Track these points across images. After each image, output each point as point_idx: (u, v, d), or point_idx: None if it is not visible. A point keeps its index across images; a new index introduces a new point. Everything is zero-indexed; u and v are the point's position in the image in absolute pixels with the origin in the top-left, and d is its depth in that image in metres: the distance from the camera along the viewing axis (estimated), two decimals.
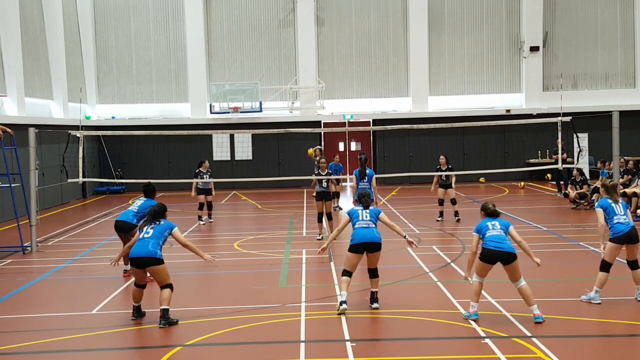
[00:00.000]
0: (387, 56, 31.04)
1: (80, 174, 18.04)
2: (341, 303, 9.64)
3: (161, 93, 31.10)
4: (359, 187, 15.25)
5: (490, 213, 9.38)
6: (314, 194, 16.68)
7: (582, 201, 20.48)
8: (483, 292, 10.45)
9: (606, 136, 18.52)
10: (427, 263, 13.05)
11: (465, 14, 30.98)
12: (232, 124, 29.74)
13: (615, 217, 9.94)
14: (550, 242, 15.41)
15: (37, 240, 15.94)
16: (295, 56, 30.82)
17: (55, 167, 22.49)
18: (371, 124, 29.30)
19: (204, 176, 19.11)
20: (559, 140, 17.86)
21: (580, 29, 30.97)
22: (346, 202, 22.69)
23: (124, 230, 12.24)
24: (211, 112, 30.06)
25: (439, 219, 18.70)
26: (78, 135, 18.10)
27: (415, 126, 20.22)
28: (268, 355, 8.21)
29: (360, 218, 10.06)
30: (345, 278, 9.82)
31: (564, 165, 18.72)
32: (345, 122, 29.79)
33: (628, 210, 10.21)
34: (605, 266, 9.93)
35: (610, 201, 10.09)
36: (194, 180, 19.17)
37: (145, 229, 9.74)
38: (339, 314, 9.62)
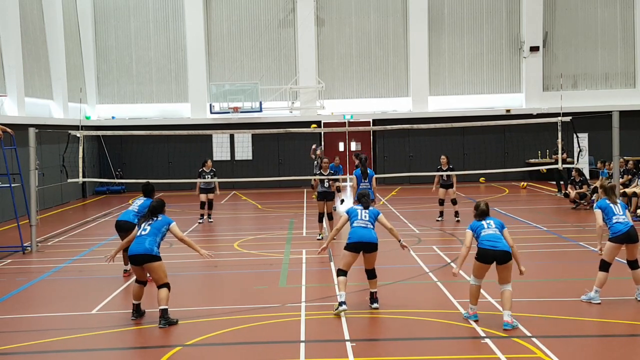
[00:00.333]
0: (387, 56, 31.04)
1: (80, 174, 18.04)
2: (340, 304, 9.61)
3: (161, 93, 31.10)
4: (360, 187, 15.26)
5: (481, 212, 9.29)
6: (314, 196, 16.69)
7: (582, 201, 20.48)
8: (483, 292, 10.47)
9: (606, 136, 18.52)
10: (427, 263, 13.05)
11: (465, 14, 30.98)
12: (232, 124, 29.74)
13: (614, 217, 9.95)
14: (550, 242, 15.42)
15: (37, 240, 15.94)
16: (295, 56, 30.83)
17: (55, 167, 22.49)
18: (371, 124, 29.29)
19: (206, 176, 19.32)
20: (559, 140, 17.86)
21: (580, 29, 30.97)
22: (346, 201, 22.66)
23: (125, 230, 12.24)
24: (211, 112, 30.06)
25: (439, 218, 18.71)
26: (78, 135, 18.10)
27: (415, 126, 20.22)
28: (268, 355, 8.21)
29: (359, 217, 10.05)
30: (341, 278, 9.81)
31: (564, 165, 18.72)
32: (345, 122, 29.79)
33: (627, 210, 10.22)
34: (605, 266, 9.94)
35: (608, 202, 10.10)
36: (197, 180, 19.39)
37: (143, 225, 9.80)
38: (336, 314, 9.60)
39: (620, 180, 18.20)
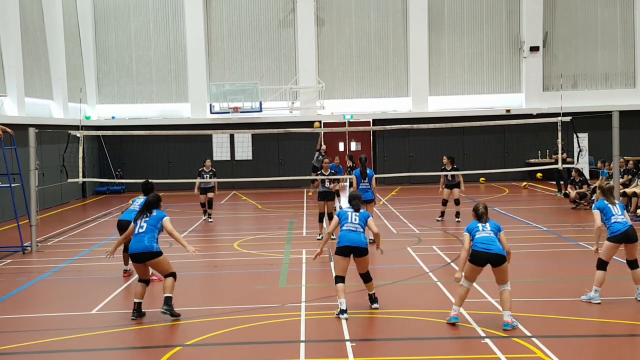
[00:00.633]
0: (387, 56, 31.04)
1: (80, 174, 18.05)
2: (342, 312, 9.48)
3: (161, 93, 31.10)
4: (359, 187, 15.27)
5: (479, 215, 9.27)
6: (310, 193, 16.67)
7: (582, 201, 20.48)
8: (483, 292, 10.47)
9: (606, 136, 18.52)
10: (427, 263, 13.05)
11: (465, 14, 30.98)
12: (232, 124, 29.73)
13: (612, 217, 9.98)
14: (550, 242, 15.42)
15: (37, 240, 15.94)
16: (295, 56, 30.83)
17: (55, 167, 22.49)
18: (371, 124, 29.29)
19: (205, 176, 19.50)
20: (559, 140, 17.86)
21: (580, 29, 30.97)
22: (345, 202, 22.67)
23: (127, 229, 12.25)
24: (211, 112, 30.06)
25: (439, 218, 18.70)
26: (78, 135, 18.10)
27: (415, 126, 20.21)
28: (268, 355, 8.21)
29: (349, 220, 9.88)
30: (339, 286, 9.63)
31: (564, 165, 18.71)
32: (345, 122, 29.79)
33: (625, 211, 10.23)
34: (602, 265, 9.97)
35: (607, 202, 10.11)
36: (197, 180, 19.60)
37: (139, 222, 9.91)
38: (336, 316, 9.55)
39: (621, 180, 18.20)
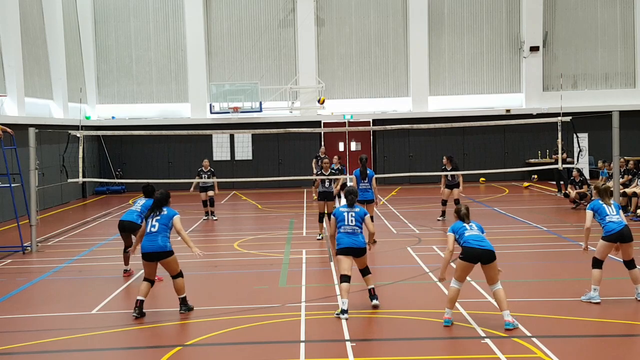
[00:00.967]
0: (387, 56, 31.04)
1: (80, 174, 18.05)
2: (343, 312, 9.53)
3: (161, 93, 31.10)
4: (359, 187, 15.26)
5: (461, 217, 9.27)
6: (315, 197, 16.65)
7: (582, 201, 20.47)
8: (482, 292, 10.47)
9: (606, 136, 18.53)
10: (427, 263, 13.05)
11: (465, 14, 30.98)
12: (232, 124, 29.72)
13: (607, 217, 10.02)
14: (550, 242, 15.42)
15: (37, 240, 15.93)
16: (295, 56, 30.82)
17: (55, 167, 22.48)
18: (371, 124, 29.29)
19: (204, 175, 19.81)
20: (559, 140, 17.86)
21: (580, 29, 30.96)
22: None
23: (128, 230, 12.31)
24: (211, 112, 30.05)
25: (440, 218, 18.71)
26: (78, 135, 18.11)
27: (415, 126, 20.21)
28: (268, 355, 8.21)
29: (346, 222, 9.92)
30: (344, 285, 9.69)
31: (564, 165, 18.71)
32: (345, 122, 29.78)
33: (621, 210, 10.25)
34: (597, 263, 10.01)
35: (602, 202, 10.14)
36: (195, 180, 19.97)
37: (150, 221, 9.99)
38: (336, 316, 9.57)
39: (621, 180, 18.19)
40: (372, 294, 10.07)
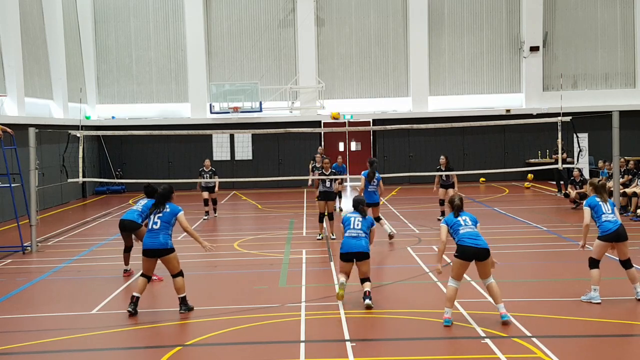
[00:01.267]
0: (387, 56, 31.04)
1: (80, 174, 18.05)
2: (341, 283, 10.09)
3: (161, 93, 31.10)
4: (367, 189, 15.32)
5: (456, 207, 9.36)
6: (317, 197, 16.64)
7: (582, 201, 20.43)
8: (483, 292, 10.47)
9: (606, 136, 18.53)
10: (427, 263, 13.05)
11: (465, 14, 30.98)
12: (232, 124, 29.73)
13: (603, 216, 10.04)
14: (550, 242, 15.42)
15: (37, 240, 15.93)
16: (295, 56, 30.82)
17: (55, 167, 22.49)
18: (371, 124, 29.29)
19: (205, 175, 20.10)
20: (559, 140, 17.87)
21: (580, 29, 30.96)
22: (346, 202, 22.71)
23: (129, 229, 12.32)
24: (211, 112, 30.06)
25: (440, 218, 18.70)
26: (78, 135, 18.11)
27: (415, 126, 20.22)
28: (268, 355, 8.21)
29: (352, 227, 10.26)
30: (342, 274, 10.33)
31: (564, 165, 18.71)
32: (345, 122, 29.79)
33: (616, 208, 10.28)
34: (595, 263, 10.04)
35: (598, 200, 10.16)
36: (197, 180, 20.40)
37: (152, 218, 10.00)
38: (339, 294, 10.02)
39: (621, 180, 18.19)
40: (366, 295, 10.08)
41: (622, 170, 19.25)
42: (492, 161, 29.08)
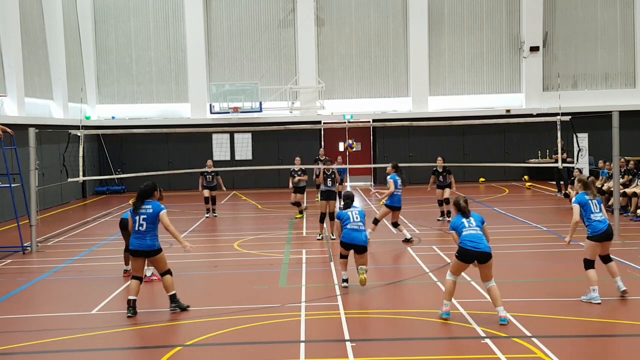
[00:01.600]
0: (387, 56, 31.04)
1: (81, 174, 18.05)
2: (344, 281, 11.02)
3: (161, 93, 31.10)
4: (395, 193, 15.37)
5: (461, 209, 9.44)
6: (317, 198, 16.68)
7: None
8: (483, 292, 10.47)
9: (606, 136, 18.52)
10: (427, 263, 13.05)
11: (465, 14, 30.98)
12: (232, 124, 29.71)
13: (592, 215, 10.13)
14: (550, 242, 15.42)
15: (37, 240, 15.93)
16: (295, 56, 30.82)
17: (55, 167, 22.50)
18: (371, 124, 29.27)
19: (208, 176, 20.48)
20: (559, 140, 17.86)
21: (580, 29, 30.97)
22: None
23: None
24: (211, 112, 30.05)
25: (440, 218, 18.72)
26: (78, 135, 18.11)
27: (414, 123, 20.24)
28: (268, 355, 8.21)
29: (352, 220, 10.99)
30: (342, 260, 11.18)
31: (564, 165, 18.71)
32: (345, 122, 29.78)
33: (602, 205, 10.36)
34: (590, 264, 10.11)
35: (587, 198, 10.22)
36: (200, 180, 20.65)
37: (137, 219, 9.92)
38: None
39: (621, 180, 18.19)
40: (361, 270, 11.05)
41: (622, 170, 19.24)
42: (492, 161, 29.05)
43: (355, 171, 29.60)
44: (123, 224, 12.43)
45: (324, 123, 29.82)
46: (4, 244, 16.53)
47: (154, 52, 30.96)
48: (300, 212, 20.18)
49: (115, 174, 29.61)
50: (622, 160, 18.85)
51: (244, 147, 30.48)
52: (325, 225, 16.40)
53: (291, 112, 30.48)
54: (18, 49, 23.13)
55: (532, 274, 12.55)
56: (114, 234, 17.29)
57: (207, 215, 20.57)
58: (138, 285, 10.02)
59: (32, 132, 16.15)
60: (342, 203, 11.40)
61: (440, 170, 18.50)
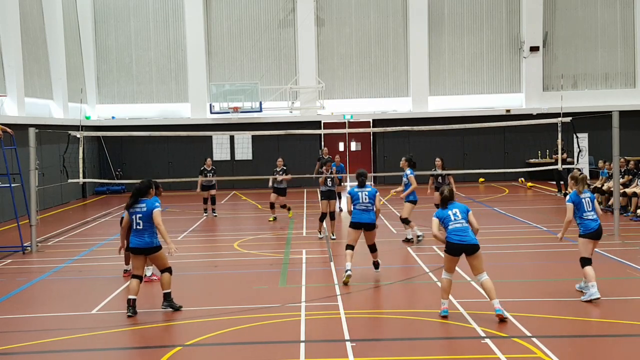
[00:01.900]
0: (387, 56, 31.04)
1: (81, 174, 18.05)
2: (346, 271, 11.34)
3: (161, 93, 31.11)
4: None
5: (444, 199, 9.63)
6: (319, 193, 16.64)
7: None
8: (482, 292, 10.47)
9: (606, 136, 18.52)
10: (427, 263, 13.06)
11: (465, 14, 30.98)
12: (232, 124, 29.74)
13: (584, 214, 10.26)
14: (550, 242, 15.40)
15: (37, 240, 15.93)
16: (295, 56, 30.83)
17: (55, 167, 22.49)
18: (371, 124, 29.30)
19: (208, 174, 20.40)
20: (559, 140, 17.85)
21: (580, 29, 30.97)
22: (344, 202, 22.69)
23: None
24: (211, 112, 30.06)
25: None
26: (78, 135, 18.11)
27: (415, 127, 20.22)
28: (268, 355, 8.21)
29: (360, 201, 11.75)
30: (348, 251, 11.65)
31: (564, 166, 18.70)
32: (345, 122, 29.79)
33: (595, 202, 10.46)
34: (586, 261, 10.18)
35: (581, 197, 10.32)
36: (199, 178, 20.44)
37: (135, 219, 9.99)
38: (345, 282, 11.24)
39: (621, 180, 18.18)
40: (376, 265, 12.03)
41: (622, 170, 19.23)
42: (492, 161, 29.06)
43: (355, 171, 29.55)
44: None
45: (324, 126, 29.84)
46: (4, 244, 16.53)
47: (154, 52, 30.96)
48: (275, 218, 19.71)
49: (116, 174, 29.63)
50: (622, 160, 18.84)
51: (244, 147, 30.47)
52: (324, 224, 16.40)
53: (291, 112, 30.49)
54: (18, 49, 23.13)
55: (532, 274, 12.55)
56: (113, 234, 17.29)
57: (206, 214, 20.58)
58: (138, 284, 10.04)
59: (32, 132, 16.15)
60: (357, 180, 12.08)
61: (439, 170, 18.36)
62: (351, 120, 29.86)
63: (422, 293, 11.05)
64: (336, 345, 8.47)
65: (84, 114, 29.22)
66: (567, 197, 10.51)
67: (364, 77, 31.06)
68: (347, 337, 8.74)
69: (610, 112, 15.88)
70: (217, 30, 30.91)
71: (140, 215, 9.96)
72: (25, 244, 15.58)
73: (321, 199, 16.39)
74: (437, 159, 18.34)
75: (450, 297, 10.40)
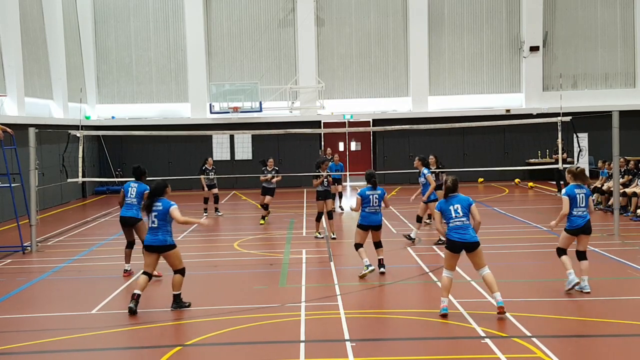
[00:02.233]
0: (387, 56, 31.04)
1: (80, 174, 18.04)
2: (367, 266, 11.71)
3: (161, 93, 31.11)
4: (429, 185, 15.51)
5: (447, 189, 9.65)
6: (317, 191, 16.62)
7: None
8: (482, 291, 10.48)
9: (606, 136, 18.52)
10: (427, 263, 13.06)
11: (465, 14, 30.98)
12: (232, 124, 29.74)
13: (574, 210, 10.46)
14: (550, 242, 15.38)
15: (37, 240, 15.93)
16: (295, 56, 30.83)
17: (55, 167, 22.48)
18: (371, 124, 29.29)
19: (210, 173, 20.56)
20: (559, 140, 17.85)
21: (580, 29, 30.97)
22: (347, 201, 22.71)
23: (130, 224, 12.34)
24: (211, 112, 30.06)
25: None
26: (78, 135, 18.11)
27: (415, 126, 20.21)
28: (268, 355, 8.21)
29: (371, 204, 11.98)
30: (361, 249, 11.98)
31: (564, 165, 18.68)
32: (345, 122, 29.79)
33: (590, 198, 10.59)
34: (562, 251, 10.57)
35: (576, 191, 10.44)
36: (202, 177, 20.62)
37: (150, 217, 10.11)
38: (361, 276, 11.65)
39: (621, 180, 18.18)
40: (381, 264, 12.04)
41: (622, 170, 19.23)
42: (492, 161, 29.05)
43: (356, 171, 29.57)
44: (124, 221, 12.45)
45: (324, 126, 29.85)
46: (4, 243, 16.53)
47: (154, 52, 30.96)
48: (263, 218, 19.39)
49: (115, 174, 29.63)
50: (622, 160, 18.84)
51: (244, 147, 30.47)
52: (324, 224, 16.40)
53: (291, 112, 30.49)
54: (18, 49, 23.13)
55: (532, 274, 12.55)
56: (113, 233, 17.30)
57: (206, 214, 20.57)
58: (146, 281, 10.11)
59: (32, 132, 16.15)
60: (368, 182, 12.18)
61: (434, 168, 18.26)
62: (351, 120, 29.85)
63: (422, 293, 11.06)
64: (336, 345, 8.47)
65: (84, 113, 29.22)
66: (563, 191, 10.62)
67: (363, 77, 31.06)
68: (347, 337, 8.74)
69: (610, 112, 15.88)
70: (217, 30, 30.91)
71: (156, 213, 10.06)
72: (25, 244, 15.58)
73: (317, 199, 16.43)
74: (431, 157, 18.26)
75: (450, 296, 10.40)
